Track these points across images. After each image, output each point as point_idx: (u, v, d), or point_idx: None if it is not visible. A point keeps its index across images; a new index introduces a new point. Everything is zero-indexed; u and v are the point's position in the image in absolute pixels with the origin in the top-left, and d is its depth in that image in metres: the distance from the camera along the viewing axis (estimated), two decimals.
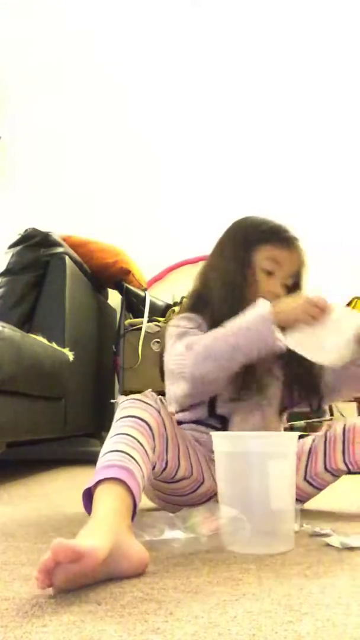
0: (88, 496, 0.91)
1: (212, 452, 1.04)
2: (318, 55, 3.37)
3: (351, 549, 0.97)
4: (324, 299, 1.16)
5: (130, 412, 1.06)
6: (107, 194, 3.35)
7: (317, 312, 1.14)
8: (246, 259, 1.27)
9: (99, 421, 2.87)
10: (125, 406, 1.08)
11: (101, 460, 0.96)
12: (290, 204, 3.11)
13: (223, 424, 1.27)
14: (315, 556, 0.92)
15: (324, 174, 3.31)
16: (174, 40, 3.43)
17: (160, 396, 1.13)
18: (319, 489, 1.31)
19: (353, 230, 3.21)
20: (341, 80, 3.37)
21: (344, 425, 1.27)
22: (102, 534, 0.78)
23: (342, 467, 1.26)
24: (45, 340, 2.20)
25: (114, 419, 1.07)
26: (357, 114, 3.36)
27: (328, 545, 0.99)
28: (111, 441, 1.00)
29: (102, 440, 2.88)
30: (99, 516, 0.83)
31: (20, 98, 3.46)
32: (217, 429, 1.26)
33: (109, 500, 0.87)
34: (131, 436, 1.00)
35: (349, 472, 1.28)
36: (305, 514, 1.31)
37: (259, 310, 1.13)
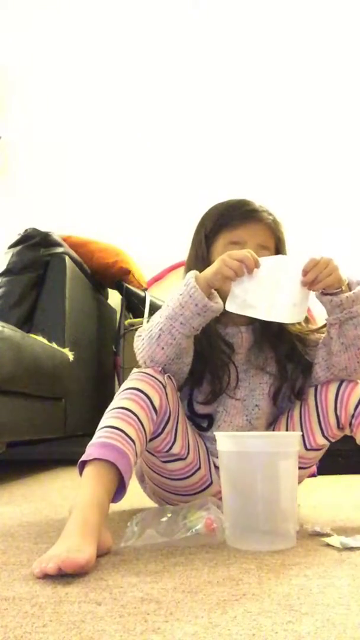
0: (82, 466, 1.00)
1: (212, 444, 1.05)
2: (318, 58, 3.37)
3: (351, 549, 0.97)
4: (245, 252, 1.11)
5: (134, 384, 1.10)
6: (107, 194, 3.35)
7: (236, 265, 1.09)
8: (206, 256, 1.26)
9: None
10: (131, 378, 1.13)
11: (97, 434, 1.03)
12: (290, 203, 3.11)
13: (209, 423, 1.26)
14: (315, 556, 0.93)
15: (324, 177, 3.31)
16: (173, 42, 3.42)
17: (168, 374, 1.15)
18: (304, 468, 1.25)
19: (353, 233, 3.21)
20: (342, 86, 3.36)
21: (315, 397, 1.22)
22: (91, 542, 0.86)
23: (322, 441, 1.22)
24: (45, 340, 2.20)
25: (120, 388, 1.12)
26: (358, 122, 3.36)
27: (328, 545, 0.99)
28: (110, 414, 1.06)
29: None
30: (83, 515, 0.90)
31: (21, 98, 3.46)
32: (203, 428, 1.26)
33: (94, 486, 0.95)
34: (129, 410, 1.06)
35: (330, 442, 1.23)
36: (306, 514, 1.31)
37: (187, 276, 1.13)
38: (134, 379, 1.12)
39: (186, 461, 1.17)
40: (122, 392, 1.10)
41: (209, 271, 1.12)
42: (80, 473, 0.99)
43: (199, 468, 1.20)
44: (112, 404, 1.09)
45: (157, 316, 1.16)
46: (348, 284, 1.15)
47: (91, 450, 1.00)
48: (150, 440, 1.11)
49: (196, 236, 1.31)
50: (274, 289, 1.12)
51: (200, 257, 1.27)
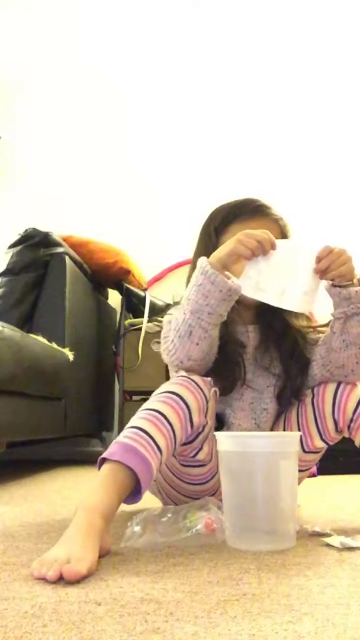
0: (102, 461, 0.98)
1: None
2: (318, 56, 3.37)
3: (351, 549, 0.96)
4: (261, 232, 1.09)
5: (177, 389, 1.07)
6: (107, 194, 3.35)
7: (253, 244, 1.07)
8: (216, 247, 1.24)
9: (99, 421, 2.87)
10: (176, 381, 1.09)
11: (126, 432, 1.00)
12: (290, 204, 3.11)
13: (219, 422, 1.25)
14: (315, 556, 0.92)
15: (325, 176, 3.31)
16: (174, 41, 3.42)
17: (215, 388, 1.13)
18: (302, 470, 1.25)
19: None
20: (342, 84, 3.36)
21: (312, 400, 1.22)
22: (93, 548, 0.85)
23: (320, 444, 1.21)
24: (45, 340, 2.20)
25: (160, 388, 1.08)
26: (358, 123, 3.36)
27: (328, 545, 0.99)
28: (144, 414, 1.03)
29: (102, 440, 2.90)
30: (88, 518, 0.90)
31: (21, 98, 3.46)
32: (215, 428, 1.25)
33: (106, 489, 0.94)
34: (165, 417, 1.02)
35: (328, 444, 1.23)
36: (306, 514, 1.31)
37: (199, 264, 1.11)
38: (178, 383, 1.08)
39: (207, 467, 1.16)
40: (162, 394, 1.06)
41: (222, 252, 1.10)
42: (99, 467, 0.97)
43: (216, 472, 1.19)
44: (149, 404, 1.05)
45: (180, 313, 1.13)
46: (358, 280, 1.14)
47: (115, 449, 0.97)
48: (184, 443, 1.09)
49: (204, 231, 1.31)
50: (287, 274, 1.10)
51: (210, 250, 1.27)
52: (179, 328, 1.12)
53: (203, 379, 1.11)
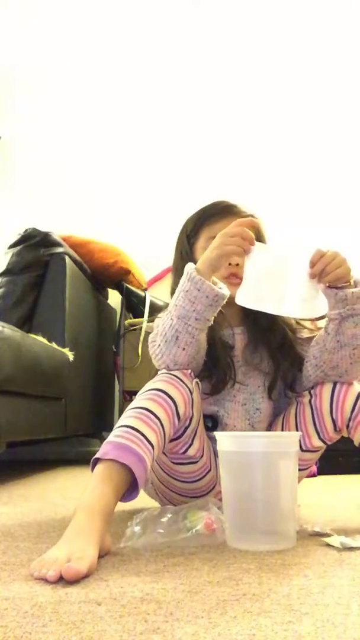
0: (95, 462, 0.98)
1: (215, 444, 1.05)
2: (317, 57, 3.37)
3: (351, 549, 0.97)
4: (232, 225, 1.09)
5: (161, 386, 1.08)
6: (107, 194, 3.35)
7: (233, 239, 1.07)
8: (190, 254, 1.28)
9: (99, 421, 2.87)
10: (159, 379, 1.11)
11: (116, 432, 1.00)
12: (288, 206, 3.12)
13: (213, 423, 1.26)
14: (315, 556, 0.92)
15: (322, 180, 3.31)
16: (174, 40, 3.42)
17: (197, 379, 1.14)
18: (301, 470, 1.23)
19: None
20: (342, 84, 3.36)
21: (310, 400, 1.22)
22: (93, 548, 0.85)
23: (318, 443, 1.21)
24: (45, 340, 2.20)
25: (145, 387, 1.09)
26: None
27: (328, 545, 0.99)
28: (131, 413, 1.04)
29: (102, 440, 2.88)
30: (88, 518, 0.90)
31: (22, 98, 3.46)
32: (207, 428, 1.25)
33: (103, 489, 0.94)
34: (152, 413, 1.03)
35: (326, 443, 1.23)
36: (306, 514, 1.31)
37: (186, 270, 1.11)
38: (161, 380, 1.10)
39: (198, 464, 1.17)
40: (147, 392, 1.07)
41: (209, 255, 1.09)
42: (92, 469, 0.98)
43: (210, 470, 1.19)
44: (135, 403, 1.06)
45: (167, 319, 1.13)
46: (355, 282, 1.14)
47: (108, 449, 0.97)
48: (172, 440, 1.10)
49: (179, 241, 1.35)
50: (283, 281, 1.09)
51: (185, 256, 1.29)
52: (165, 333, 1.12)
53: (183, 372, 1.12)
